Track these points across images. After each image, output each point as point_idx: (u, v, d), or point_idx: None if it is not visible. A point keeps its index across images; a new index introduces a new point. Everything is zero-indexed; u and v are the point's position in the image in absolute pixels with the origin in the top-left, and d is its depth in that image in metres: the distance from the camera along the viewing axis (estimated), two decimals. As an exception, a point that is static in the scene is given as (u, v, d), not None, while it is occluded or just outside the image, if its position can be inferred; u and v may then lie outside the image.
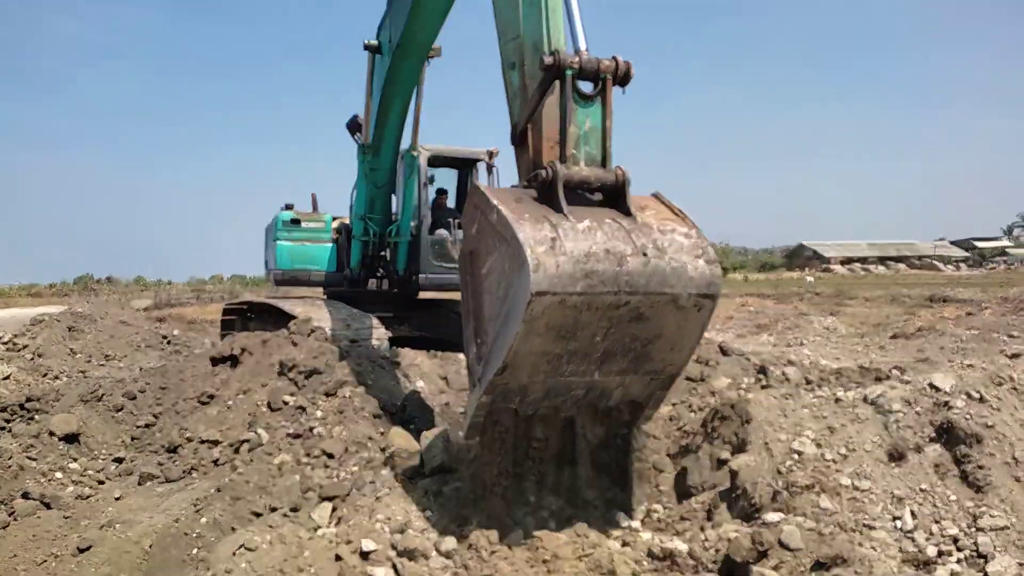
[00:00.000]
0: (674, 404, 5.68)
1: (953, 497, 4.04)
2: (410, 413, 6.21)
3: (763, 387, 5.88)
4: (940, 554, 3.75)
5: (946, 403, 4.45)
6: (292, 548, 4.05)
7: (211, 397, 6.85)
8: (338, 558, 4.03)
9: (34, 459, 5.88)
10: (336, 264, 10.66)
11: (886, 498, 4.04)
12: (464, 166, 11.27)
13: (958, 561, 3.73)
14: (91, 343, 11.93)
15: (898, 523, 3.92)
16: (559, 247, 3.60)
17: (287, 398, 6.29)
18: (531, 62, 4.36)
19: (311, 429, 5.82)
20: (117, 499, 5.44)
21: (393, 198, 10.11)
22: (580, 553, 4.03)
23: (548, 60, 3.99)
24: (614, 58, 4.07)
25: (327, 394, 6.22)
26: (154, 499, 5.38)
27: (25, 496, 5.27)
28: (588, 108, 4.11)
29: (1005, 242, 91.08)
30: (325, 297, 10.75)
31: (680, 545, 4.12)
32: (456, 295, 11.95)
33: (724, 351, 7.21)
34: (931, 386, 4.64)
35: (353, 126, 10.20)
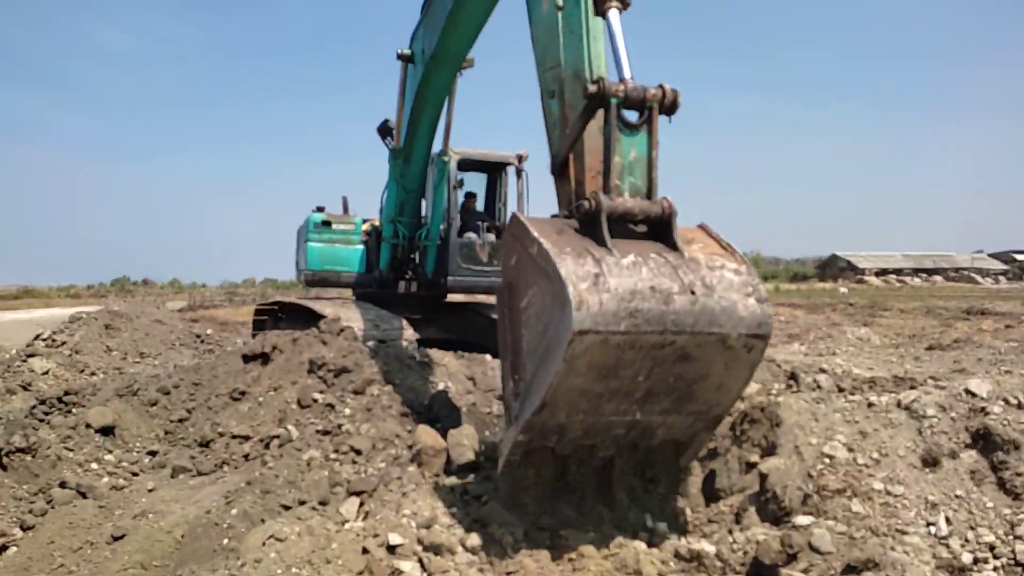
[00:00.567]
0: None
1: (990, 504, 3.94)
2: (437, 412, 6.25)
3: (793, 392, 5.81)
4: (976, 561, 3.67)
5: (982, 408, 4.36)
6: (320, 540, 4.09)
7: (242, 393, 6.96)
8: (365, 551, 4.05)
9: (71, 450, 6.02)
10: (366, 266, 10.78)
11: (920, 504, 3.97)
12: (493, 170, 11.33)
13: (995, 569, 3.64)
14: (127, 341, 12.20)
15: (932, 529, 3.84)
16: (603, 284, 3.45)
17: (316, 395, 6.37)
18: (571, 91, 4.27)
19: (339, 426, 5.88)
20: (150, 490, 5.55)
21: (422, 201, 10.21)
22: (606, 552, 4.01)
23: (592, 88, 3.88)
24: (660, 86, 3.94)
25: (356, 392, 6.29)
26: (186, 491, 5.47)
27: (62, 486, 5.39)
28: (633, 137, 3.97)
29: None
30: (354, 298, 10.86)
31: (707, 547, 4.07)
32: (483, 297, 12.01)
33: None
34: (967, 391, 4.55)
35: (384, 130, 10.33)
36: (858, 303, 30.60)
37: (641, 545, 4.17)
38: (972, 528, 3.84)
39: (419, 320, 10.47)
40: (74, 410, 6.96)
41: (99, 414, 6.41)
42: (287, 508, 4.76)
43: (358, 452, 5.48)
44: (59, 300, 42.98)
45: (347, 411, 6.05)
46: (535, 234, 3.71)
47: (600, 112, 3.96)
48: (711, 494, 4.75)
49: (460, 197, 10.75)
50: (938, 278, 72.12)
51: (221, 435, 6.30)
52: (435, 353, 8.10)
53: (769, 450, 4.61)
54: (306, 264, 10.72)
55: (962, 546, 3.76)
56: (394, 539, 4.11)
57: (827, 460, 4.31)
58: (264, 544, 3.99)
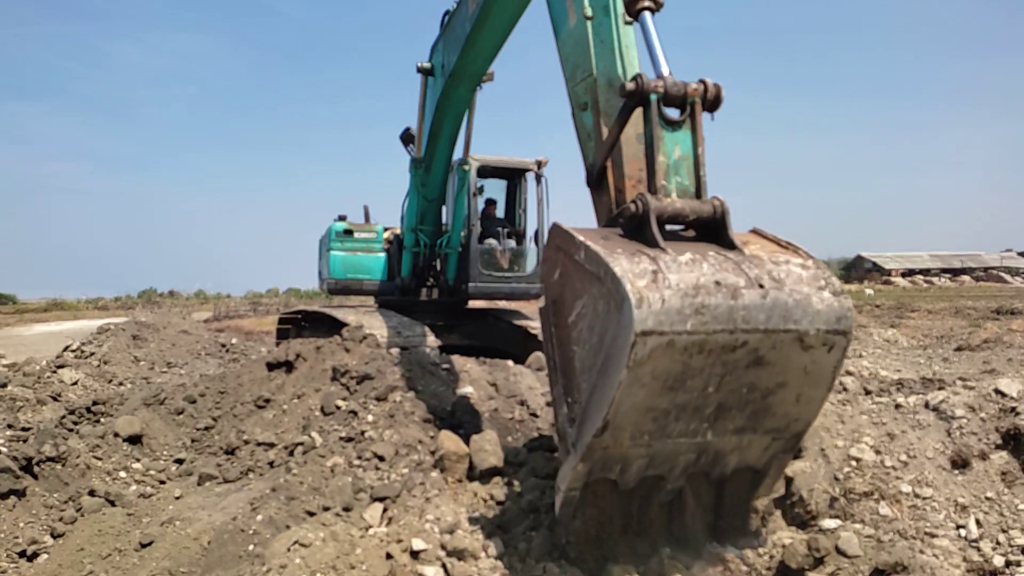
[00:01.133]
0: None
1: (1021, 506, 3.87)
2: (459, 418, 6.26)
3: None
4: (1008, 564, 3.61)
5: (1013, 408, 4.29)
6: (344, 545, 4.11)
7: (267, 401, 7.04)
8: (389, 556, 4.08)
9: (100, 459, 6.12)
10: (387, 273, 10.84)
11: (949, 506, 3.91)
12: (513, 176, 11.35)
13: (1028, 572, 3.57)
14: (154, 351, 12.38)
15: (962, 532, 3.78)
16: (662, 280, 3.11)
17: (339, 402, 6.41)
18: (606, 100, 4.14)
19: (363, 433, 5.91)
20: (177, 498, 5.62)
21: (443, 209, 10.26)
22: (630, 557, 3.98)
23: (630, 86, 3.67)
24: (702, 81, 3.73)
25: (378, 399, 6.32)
26: (212, 498, 5.53)
27: (91, 494, 5.48)
28: (676, 135, 3.71)
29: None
30: (376, 306, 10.93)
31: (733, 551, 4.04)
32: (504, 303, 12.02)
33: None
34: (996, 392, 4.48)
35: (406, 138, 10.40)
36: (885, 304, 30.16)
37: (665, 548, 4.13)
38: (1004, 531, 3.77)
39: (441, 327, 10.50)
40: (102, 419, 7.08)
41: (127, 423, 6.51)
42: (311, 514, 4.79)
43: (381, 458, 5.50)
44: (87, 312, 43.71)
45: (370, 418, 6.08)
46: (580, 239, 3.44)
47: (636, 118, 3.80)
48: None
49: (480, 204, 10.79)
50: (966, 278, 70.86)
51: (246, 443, 6.36)
52: (457, 359, 8.12)
53: (795, 453, 4.56)
54: (328, 273, 10.80)
55: (993, 549, 3.69)
56: (418, 544, 4.13)
57: (854, 463, 4.26)
58: (289, 550, 4.03)
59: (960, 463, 4.12)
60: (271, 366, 7.64)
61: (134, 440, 6.45)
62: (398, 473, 5.30)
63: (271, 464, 5.97)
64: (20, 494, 5.27)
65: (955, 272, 74.52)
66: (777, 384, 3.38)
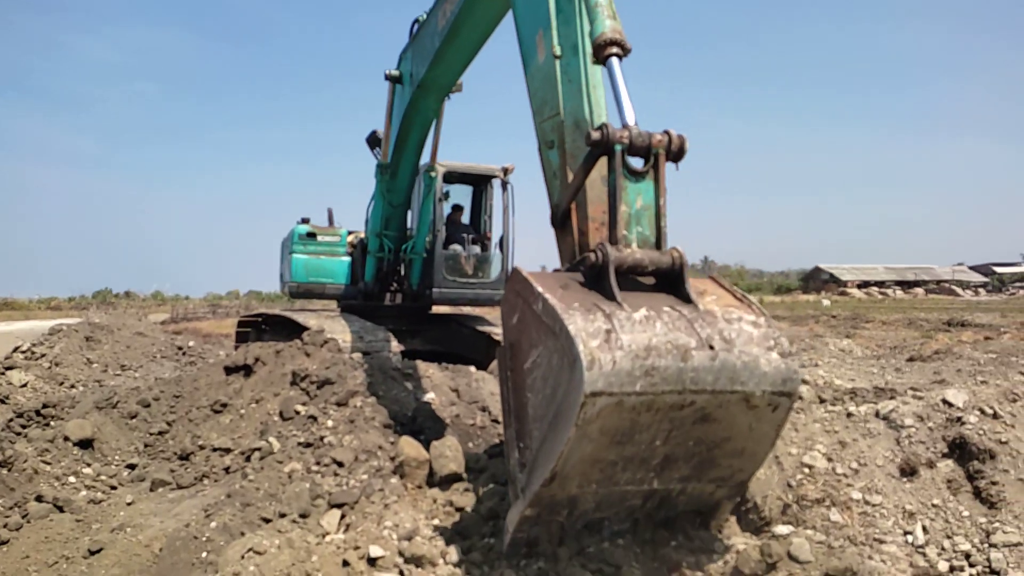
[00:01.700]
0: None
1: (966, 513, 3.99)
2: (420, 424, 6.24)
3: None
4: (952, 569, 3.71)
5: (959, 419, 4.42)
6: (300, 553, 4.07)
7: (224, 406, 6.92)
8: (345, 563, 4.04)
9: (49, 463, 5.95)
10: (351, 278, 10.76)
11: (897, 513, 4.01)
12: (479, 182, 11.36)
13: (971, 577, 3.69)
14: (107, 353, 12.10)
15: (909, 538, 3.88)
16: (615, 340, 3.16)
17: (299, 407, 6.34)
18: (572, 140, 4.17)
19: (322, 438, 5.85)
20: (129, 504, 5.49)
21: (408, 214, 10.22)
22: (587, 563, 4.00)
23: (595, 135, 3.68)
24: (666, 132, 3.76)
25: (338, 404, 6.26)
26: (165, 504, 5.42)
27: (39, 499, 5.32)
28: (639, 185, 3.75)
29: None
30: (339, 310, 10.84)
31: (688, 557, 4.08)
32: (467, 309, 12.01)
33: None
34: (944, 402, 4.61)
35: (373, 140, 10.34)
36: (840, 315, 30.85)
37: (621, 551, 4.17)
38: (949, 537, 3.88)
39: (404, 332, 10.44)
40: (52, 423, 6.89)
41: (78, 427, 6.35)
42: (267, 521, 4.72)
43: (340, 464, 5.44)
44: (39, 312, 42.52)
45: (330, 423, 6.02)
46: (539, 289, 3.47)
47: (602, 161, 3.80)
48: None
49: (446, 209, 10.78)
50: (919, 290, 72.93)
51: (202, 448, 6.25)
52: (419, 365, 8.09)
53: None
54: (291, 276, 10.67)
55: (939, 555, 3.80)
56: (375, 551, 4.09)
57: (807, 470, 4.35)
58: (243, 557, 3.97)
59: (908, 471, 4.23)
60: (229, 370, 7.52)
61: (85, 444, 6.29)
62: (357, 479, 5.25)
63: (227, 470, 5.88)
64: (-37, 500, 5.11)
65: (909, 284, 76.67)
66: (722, 439, 3.50)
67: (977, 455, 4.19)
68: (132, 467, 6.25)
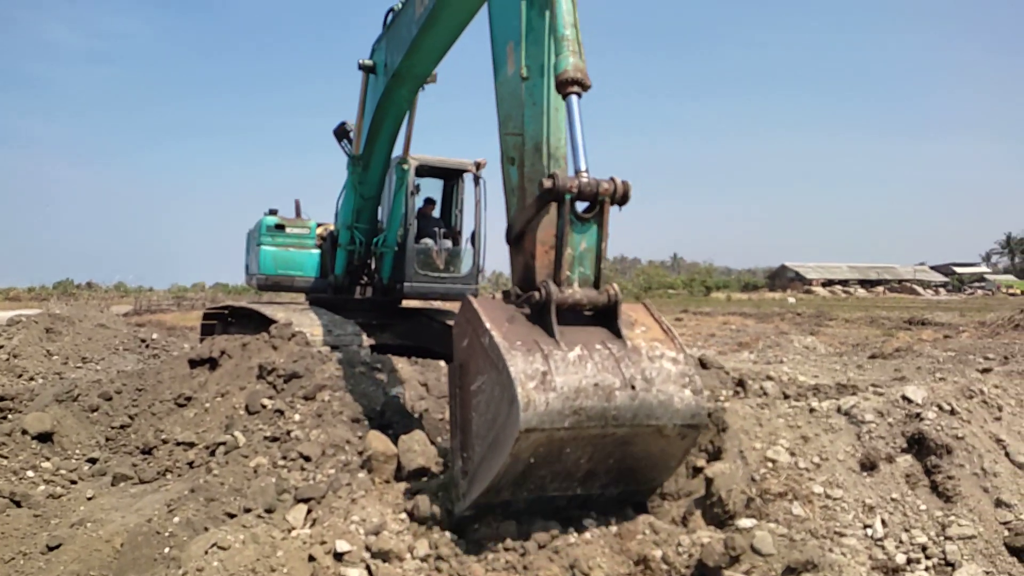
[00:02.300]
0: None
1: (923, 506, 4.09)
2: (389, 418, 6.20)
3: (741, 399, 5.93)
4: (909, 562, 3.81)
5: (918, 415, 4.52)
6: (265, 548, 4.02)
7: (188, 399, 6.82)
8: (311, 558, 4.00)
9: (6, 458, 5.81)
10: (320, 271, 10.65)
11: (857, 506, 4.10)
12: (451, 176, 11.32)
13: (926, 569, 3.78)
14: (68, 345, 11.83)
15: (869, 531, 3.97)
16: (549, 382, 3.62)
17: (265, 401, 6.26)
18: (531, 164, 4.42)
19: (288, 432, 5.79)
20: (89, 499, 5.38)
21: (379, 207, 10.14)
22: (554, 557, 4.03)
23: (547, 183, 3.96)
24: (612, 179, 4.04)
25: (306, 398, 6.21)
26: (127, 499, 5.32)
27: (-5, 494, 5.19)
28: (584, 228, 4.08)
29: (983, 268, 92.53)
30: (307, 304, 10.72)
31: (654, 551, 4.13)
32: (437, 303, 11.97)
33: (704, 364, 7.26)
34: (903, 398, 4.72)
35: (340, 133, 10.22)
36: (805, 313, 31.39)
37: (589, 549, 4.21)
38: (906, 530, 3.98)
39: (373, 326, 10.37)
40: (10, 416, 6.73)
41: (36, 420, 6.20)
42: (232, 516, 4.66)
43: (307, 459, 5.40)
44: (-3, 303, 41.43)
45: (297, 417, 5.96)
46: (487, 325, 3.83)
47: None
48: (660, 496, 4.82)
49: (418, 203, 10.72)
50: (882, 289, 74.49)
51: (165, 442, 6.15)
52: (388, 359, 8.05)
53: (715, 455, 4.70)
54: (259, 268, 10.53)
55: (896, 547, 3.89)
56: (342, 546, 4.06)
57: (770, 464, 4.42)
58: (207, 553, 3.91)
59: (868, 465, 4.32)
60: (194, 363, 7.41)
61: (44, 438, 6.15)
62: (324, 474, 5.21)
63: (191, 464, 5.79)
64: (-86, 495, 4.96)
65: (871, 283, 78.23)
66: (637, 459, 4.05)
67: (935, 450, 4.29)
68: (93, 461, 6.12)
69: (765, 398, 5.82)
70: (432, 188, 11.49)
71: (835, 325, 24.33)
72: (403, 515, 4.42)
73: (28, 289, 53.15)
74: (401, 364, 7.82)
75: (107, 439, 6.54)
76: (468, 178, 11.03)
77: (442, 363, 8.20)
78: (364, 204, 9.60)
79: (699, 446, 4.89)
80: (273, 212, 10.76)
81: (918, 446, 4.40)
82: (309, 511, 4.62)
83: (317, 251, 10.72)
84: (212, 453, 5.78)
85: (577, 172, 4.02)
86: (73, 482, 5.75)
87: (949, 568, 3.75)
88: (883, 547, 3.90)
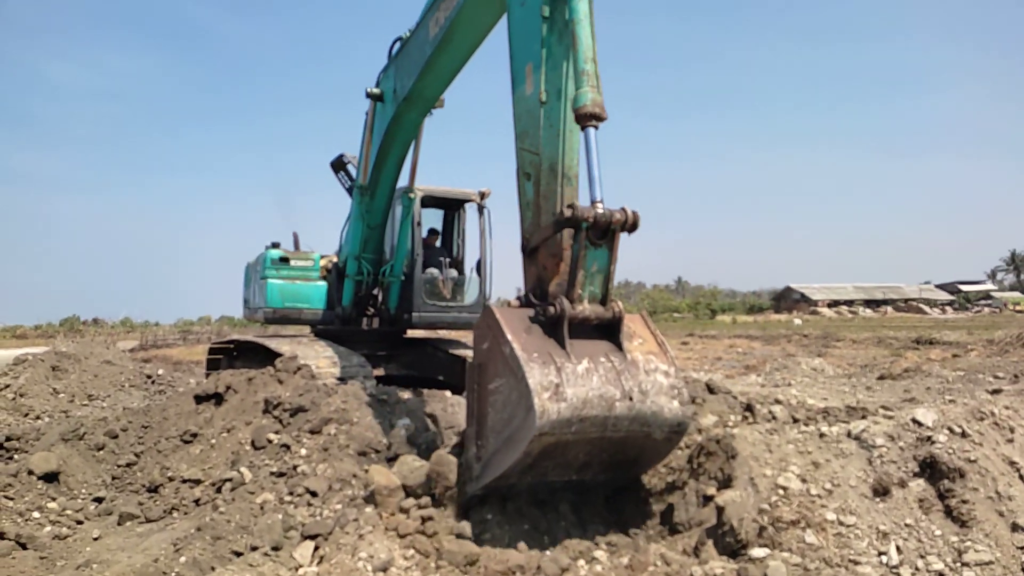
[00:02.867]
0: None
1: (938, 532, 4.03)
2: (396, 451, 6.16)
3: (749, 424, 5.88)
4: (926, 589, 3.73)
5: (928, 438, 4.47)
6: (272, 587, 3.98)
7: (194, 435, 6.79)
8: (319, 597, 3.96)
9: (11, 498, 5.78)
10: (327, 302, 10.66)
11: (871, 533, 4.03)
12: (453, 206, 11.39)
13: (944, 596, 3.71)
14: (74, 383, 11.82)
15: (884, 558, 3.90)
16: (561, 393, 4.15)
17: (271, 436, 6.24)
18: (546, 183, 4.83)
19: (295, 467, 5.76)
20: (95, 539, 5.34)
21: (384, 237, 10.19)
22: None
23: (567, 212, 4.35)
24: (623, 209, 4.44)
25: (312, 432, 6.18)
26: (133, 539, 5.28)
27: (1, 536, 5.16)
28: (596, 252, 4.50)
29: (989, 286, 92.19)
30: (312, 336, 10.72)
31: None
32: (443, 332, 11.97)
33: (711, 389, 7.20)
34: (914, 421, 4.67)
35: (338, 164, 10.32)
36: (812, 334, 31.24)
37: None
38: (922, 556, 3.91)
39: (379, 356, 10.36)
40: (16, 456, 6.71)
41: (43, 460, 6.18)
42: (238, 554, 4.62)
43: (314, 494, 5.36)
44: (4, 341, 41.54)
45: (303, 451, 5.93)
46: (508, 336, 4.33)
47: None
48: (671, 528, 4.76)
49: (422, 233, 10.78)
50: (888, 309, 74.17)
51: (171, 479, 6.11)
52: (394, 390, 8.02)
53: (725, 482, 4.64)
54: (266, 302, 10.53)
55: (913, 574, 3.82)
56: (349, 583, 4.01)
57: (781, 491, 4.36)
58: (214, 593, 3.87)
59: (881, 491, 4.26)
60: (199, 398, 7.39)
61: (50, 478, 6.13)
62: (331, 509, 5.17)
63: (197, 502, 5.75)
64: (-80, 538, 4.93)
65: (877, 303, 77.93)
66: (627, 455, 4.64)
67: (947, 474, 4.24)
68: (99, 500, 6.09)
69: (774, 423, 5.77)
70: (432, 218, 11.56)
71: (842, 346, 24.22)
72: (411, 551, 4.38)
73: (35, 327, 53.35)
74: (407, 395, 7.80)
75: (113, 478, 6.51)
76: (469, 207, 11.10)
77: (448, 393, 8.17)
78: (370, 233, 9.67)
79: (709, 473, 4.85)
80: (275, 245, 10.82)
81: (930, 470, 4.34)
82: (316, 548, 4.57)
83: (323, 283, 10.74)
84: (218, 490, 5.74)
85: (593, 202, 4.38)
86: (79, 522, 5.71)
87: (967, 595, 3.68)
88: (899, 574, 3.83)
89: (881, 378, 13.02)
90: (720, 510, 4.40)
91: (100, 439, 6.85)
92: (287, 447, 6.00)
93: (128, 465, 6.62)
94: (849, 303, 77.06)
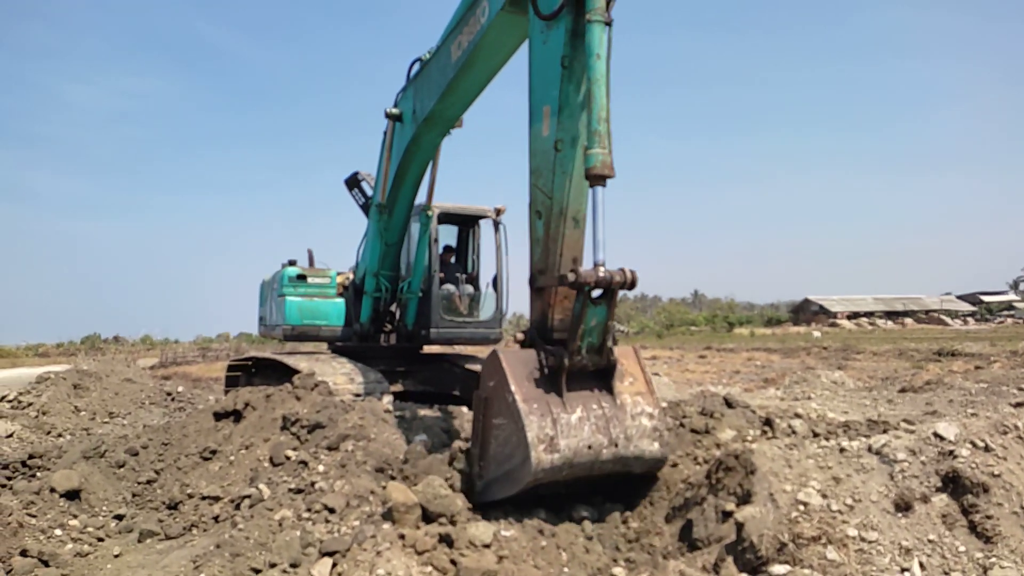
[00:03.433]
0: (679, 456, 5.64)
1: (962, 548, 3.96)
2: (413, 467, 6.16)
3: (768, 439, 5.82)
4: (951, 607, 3.67)
5: (951, 452, 4.41)
6: (291, 604, 3.99)
7: (213, 452, 6.84)
8: (337, 614, 3.96)
9: (34, 516, 5.84)
10: (345, 319, 10.73)
11: (894, 549, 3.97)
12: (468, 223, 11.44)
13: (970, 614, 3.64)
14: (96, 401, 11.95)
15: (907, 575, 3.84)
16: (555, 445, 4.75)
17: (289, 452, 6.26)
18: (555, 226, 5.21)
19: (313, 484, 5.77)
20: (116, 556, 5.39)
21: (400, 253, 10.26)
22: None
23: (571, 276, 4.72)
24: (622, 270, 4.81)
25: (329, 448, 6.20)
26: (153, 556, 5.32)
27: (23, 554, 5.20)
28: (596, 309, 4.89)
29: (1011, 296, 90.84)
30: (330, 352, 10.78)
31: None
32: (460, 348, 12.00)
33: (729, 403, 7.16)
34: (936, 435, 4.61)
35: (352, 181, 10.42)
36: (831, 346, 30.92)
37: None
38: (946, 573, 3.85)
39: (396, 372, 10.39)
40: (39, 474, 6.78)
41: (64, 477, 6.25)
42: (257, 572, 4.63)
43: (332, 510, 5.36)
44: (27, 359, 42.09)
45: (321, 468, 5.95)
46: (512, 386, 4.83)
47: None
48: (690, 544, 4.73)
49: (439, 250, 10.84)
50: (908, 320, 73.29)
51: (190, 496, 6.15)
52: (411, 406, 8.05)
53: (745, 498, 4.60)
54: (284, 319, 10.62)
55: (937, 591, 3.76)
56: (367, 601, 4.01)
57: (802, 507, 4.31)
58: (233, 610, 3.88)
59: (903, 506, 4.20)
60: (218, 416, 7.45)
61: (72, 495, 6.19)
62: (349, 525, 5.17)
63: (216, 519, 5.78)
64: (-55, 556, 4.99)
65: (898, 315, 77.03)
66: (608, 481, 5.26)
67: (971, 489, 4.17)
68: (120, 518, 6.14)
69: (794, 437, 5.71)
70: (446, 234, 11.62)
71: (863, 358, 23.95)
72: (429, 567, 4.38)
73: (57, 345, 54.00)
74: (424, 411, 7.81)
75: (133, 495, 6.57)
76: (484, 224, 11.15)
77: (465, 409, 8.17)
78: (388, 250, 9.75)
79: (728, 489, 4.81)
80: (292, 263, 10.92)
81: (953, 485, 4.28)
82: (334, 565, 4.57)
83: (340, 300, 10.82)
84: (237, 507, 5.77)
85: (595, 265, 4.74)
86: (100, 539, 5.76)
87: (993, 612, 3.61)
88: (923, 591, 3.77)
89: (902, 391, 12.85)
90: (740, 526, 4.35)
91: (121, 456, 6.92)
92: (305, 464, 6.02)
93: (148, 482, 6.68)
94: (869, 315, 76.24)
